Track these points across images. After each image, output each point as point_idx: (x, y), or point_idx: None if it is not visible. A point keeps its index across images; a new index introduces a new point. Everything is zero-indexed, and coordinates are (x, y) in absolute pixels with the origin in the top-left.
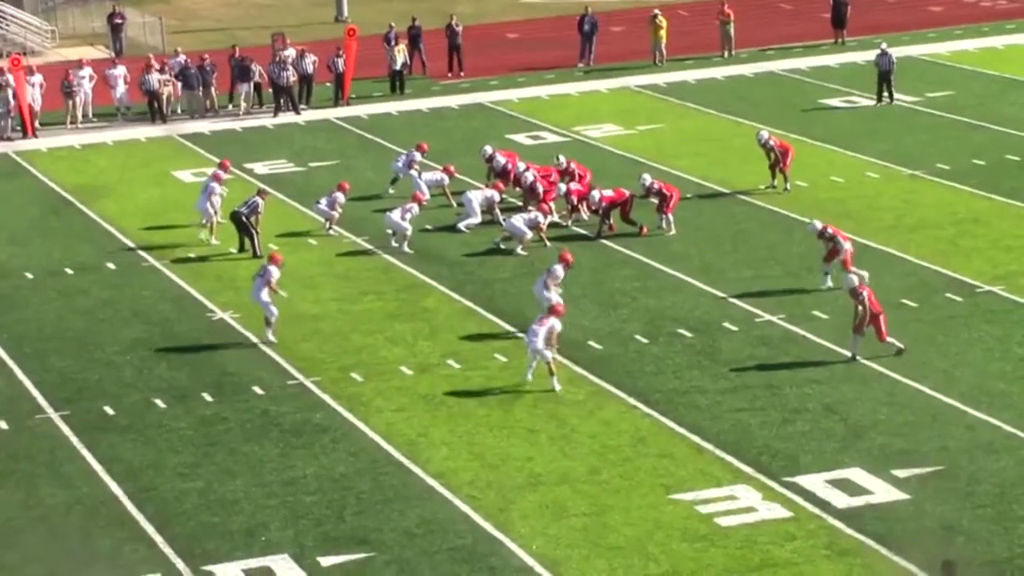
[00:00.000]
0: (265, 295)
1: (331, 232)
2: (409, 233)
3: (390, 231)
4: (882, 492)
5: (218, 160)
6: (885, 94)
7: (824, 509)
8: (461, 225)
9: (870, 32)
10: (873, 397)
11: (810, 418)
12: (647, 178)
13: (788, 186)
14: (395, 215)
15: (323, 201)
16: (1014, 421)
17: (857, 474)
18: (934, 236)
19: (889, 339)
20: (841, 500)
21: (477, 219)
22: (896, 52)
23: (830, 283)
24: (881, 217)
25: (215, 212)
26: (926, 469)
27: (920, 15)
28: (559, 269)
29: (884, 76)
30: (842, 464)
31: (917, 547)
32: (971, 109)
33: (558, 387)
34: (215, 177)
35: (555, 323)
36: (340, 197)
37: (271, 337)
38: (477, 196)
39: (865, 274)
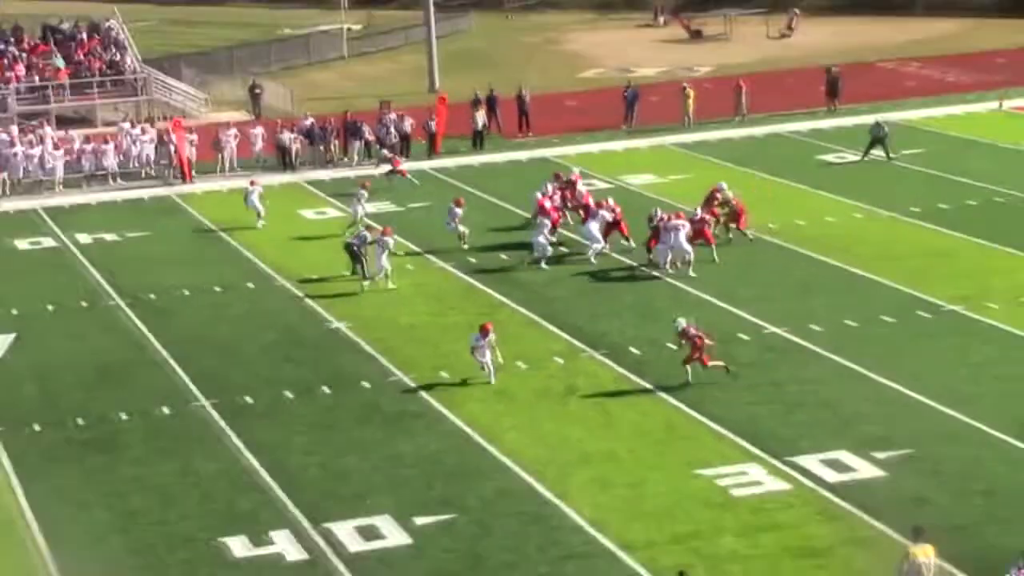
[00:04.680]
0: (384, 259)
1: (465, 245)
2: (549, 252)
3: (538, 252)
4: (865, 470)
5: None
6: (878, 154)
7: (818, 483)
8: (592, 256)
9: (857, 101)
10: (858, 394)
11: (808, 411)
12: (657, 210)
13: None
14: (540, 238)
15: (450, 222)
16: (972, 414)
17: (845, 455)
18: (908, 266)
19: (711, 364)
20: (832, 476)
21: (601, 244)
22: (876, 117)
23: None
24: (865, 250)
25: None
26: (900, 452)
27: (897, 88)
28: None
29: (877, 141)
30: (833, 447)
31: (893, 514)
32: (937, 164)
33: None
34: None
35: (492, 337)
36: (458, 211)
37: (366, 286)
38: (596, 224)
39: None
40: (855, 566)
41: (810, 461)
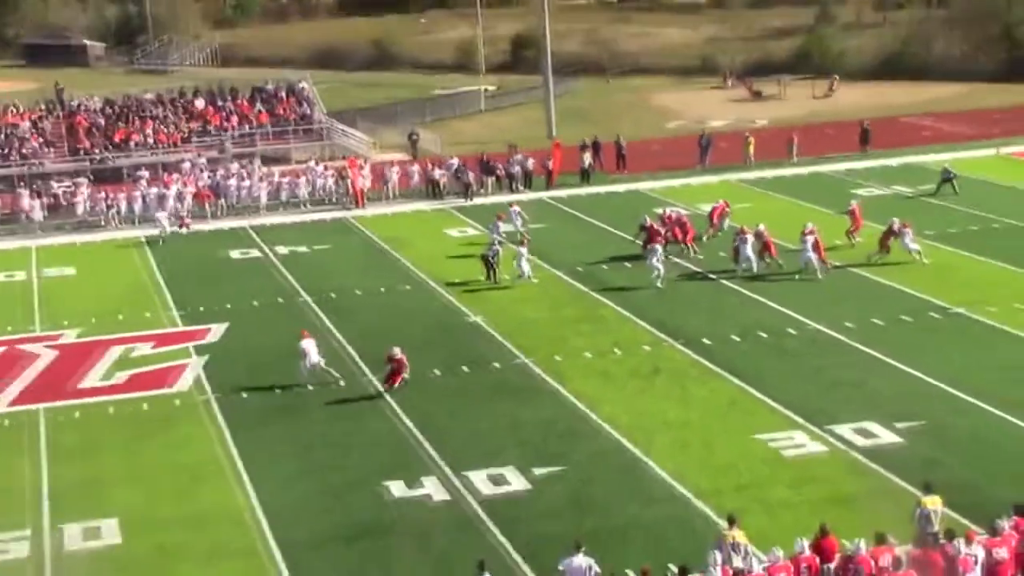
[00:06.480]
0: (656, 261)
1: (528, 238)
2: (662, 273)
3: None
4: (887, 437)
5: (483, 222)
6: (945, 190)
7: (850, 447)
8: (743, 269)
9: (884, 147)
10: (883, 378)
11: (842, 390)
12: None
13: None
14: (654, 261)
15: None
16: (973, 394)
17: (872, 425)
18: (923, 276)
19: (396, 385)
20: (861, 441)
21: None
22: (899, 160)
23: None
24: (888, 263)
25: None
26: (917, 423)
27: (916, 137)
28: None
29: (946, 180)
30: (862, 419)
31: (909, 472)
32: (947, 197)
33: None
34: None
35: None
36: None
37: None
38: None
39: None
40: (878, 512)
41: (844, 429)
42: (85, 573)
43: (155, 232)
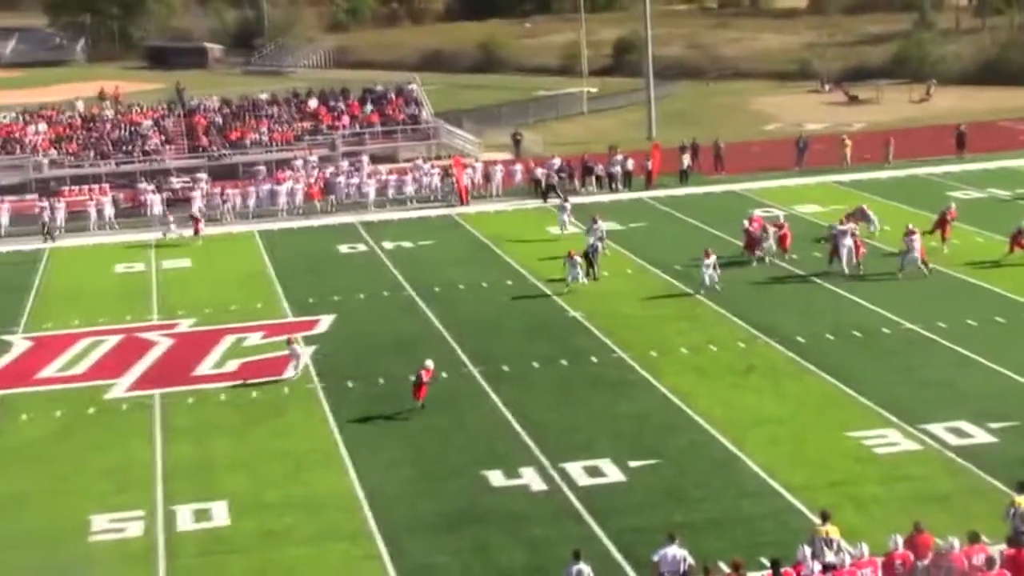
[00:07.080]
0: (706, 267)
1: (606, 252)
2: (706, 283)
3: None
4: (980, 436)
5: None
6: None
7: (943, 445)
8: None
9: (980, 151)
10: (976, 377)
11: (935, 389)
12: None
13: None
14: (707, 272)
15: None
16: None
17: (964, 424)
18: (1018, 278)
19: (420, 401)
20: (954, 440)
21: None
22: (995, 164)
23: None
24: (984, 265)
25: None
26: (1010, 423)
27: (1013, 142)
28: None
29: None
30: (955, 418)
31: (1003, 471)
32: None
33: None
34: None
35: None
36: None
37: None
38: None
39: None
40: (971, 510)
41: (937, 428)
42: (196, 553)
43: (172, 234)
